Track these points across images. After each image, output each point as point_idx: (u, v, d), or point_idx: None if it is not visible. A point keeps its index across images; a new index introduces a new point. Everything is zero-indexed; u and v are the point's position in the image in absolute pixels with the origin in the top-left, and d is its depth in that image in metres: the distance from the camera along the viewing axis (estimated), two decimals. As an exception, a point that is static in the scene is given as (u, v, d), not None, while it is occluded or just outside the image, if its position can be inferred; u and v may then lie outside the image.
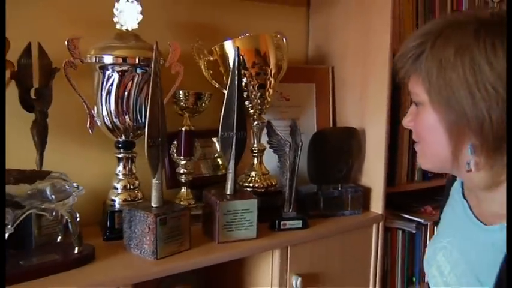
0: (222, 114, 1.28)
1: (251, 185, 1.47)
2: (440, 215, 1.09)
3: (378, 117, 1.54)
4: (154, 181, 1.20)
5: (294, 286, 1.36)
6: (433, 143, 0.89)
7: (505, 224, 0.83)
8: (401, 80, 0.93)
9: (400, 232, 1.66)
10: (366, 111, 1.59)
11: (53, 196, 1.08)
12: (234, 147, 1.29)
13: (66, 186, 1.10)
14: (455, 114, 0.82)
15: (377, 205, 1.57)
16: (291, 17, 1.79)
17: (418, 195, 1.74)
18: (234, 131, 1.29)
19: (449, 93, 0.82)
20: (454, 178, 1.06)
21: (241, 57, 1.36)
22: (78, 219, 1.12)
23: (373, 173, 1.58)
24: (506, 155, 0.84)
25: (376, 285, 1.59)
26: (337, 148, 1.54)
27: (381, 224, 1.56)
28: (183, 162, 1.41)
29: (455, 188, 1.03)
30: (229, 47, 1.41)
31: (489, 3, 2.00)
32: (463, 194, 1.00)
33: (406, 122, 0.95)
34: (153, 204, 1.19)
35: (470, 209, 0.96)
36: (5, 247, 1.00)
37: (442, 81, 0.82)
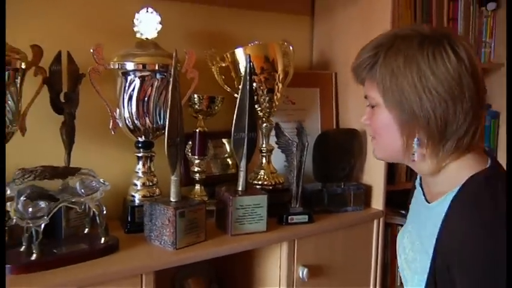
0: (234, 116, 1.38)
1: (260, 182, 1.57)
2: (408, 206, 1.22)
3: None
4: (173, 178, 1.30)
5: (301, 276, 1.46)
6: (387, 138, 1.03)
7: (442, 199, 0.99)
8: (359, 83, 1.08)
9: (400, 227, 1.76)
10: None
11: (82, 191, 1.19)
12: (245, 147, 1.39)
13: (94, 182, 1.21)
14: (407, 114, 0.97)
15: (378, 202, 1.68)
16: (296, 26, 1.89)
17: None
18: (246, 132, 1.39)
19: (401, 97, 0.96)
20: (415, 175, 1.19)
21: (251, 63, 1.47)
22: (104, 212, 1.22)
23: (374, 171, 1.68)
24: (506, 155, 0.96)
25: (377, 276, 1.70)
26: (340, 148, 1.64)
27: (381, 219, 1.67)
28: (197, 161, 1.51)
29: (417, 180, 1.17)
30: (240, 54, 1.51)
31: (483, 12, 2.12)
32: (420, 183, 1.14)
33: (363, 120, 1.09)
34: (172, 199, 1.30)
35: (424, 195, 1.10)
36: (40, 238, 1.11)
37: (394, 87, 0.97)
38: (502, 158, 2.19)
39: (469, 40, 0.98)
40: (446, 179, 1.01)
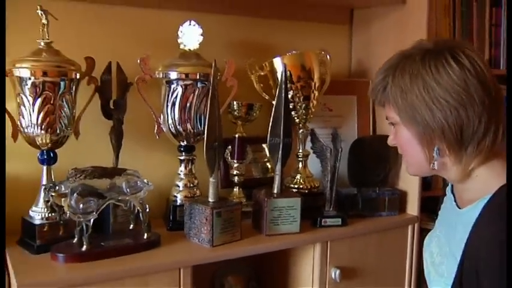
0: (270, 122, 1.46)
1: (296, 186, 1.64)
2: (438, 212, 1.25)
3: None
4: (211, 179, 1.39)
5: (333, 277, 1.51)
6: (412, 153, 1.09)
7: (473, 205, 1.02)
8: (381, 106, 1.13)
9: (435, 233, 1.77)
10: (403, 121, 1.72)
11: (127, 190, 1.30)
12: (280, 151, 1.46)
13: (139, 182, 1.32)
14: (422, 127, 1.02)
15: (413, 207, 1.70)
16: (335, 35, 1.95)
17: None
18: (281, 137, 1.46)
19: (414, 112, 1.02)
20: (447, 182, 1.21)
21: (288, 72, 1.55)
22: (148, 210, 1.33)
23: (409, 178, 1.71)
24: (506, 156, 1.00)
25: (412, 282, 1.72)
26: (375, 154, 1.68)
27: (416, 225, 1.69)
28: (236, 165, 1.60)
29: (448, 186, 1.20)
30: (277, 63, 1.58)
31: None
32: (452, 190, 1.17)
33: (390, 141, 1.15)
34: (210, 200, 1.38)
35: (455, 201, 1.13)
36: (90, 231, 1.22)
37: (406, 104, 1.02)
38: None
39: (473, 47, 1.03)
40: (477, 186, 1.04)
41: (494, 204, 0.98)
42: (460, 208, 1.10)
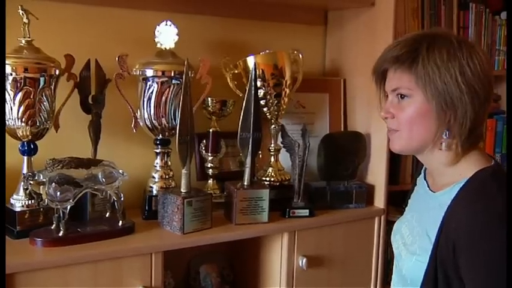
0: (240, 117, 1.54)
1: (268, 178, 1.72)
2: (407, 201, 1.33)
3: (382, 123, 1.74)
4: (184, 171, 1.47)
5: (300, 265, 1.60)
6: (419, 128, 1.10)
7: (449, 188, 1.09)
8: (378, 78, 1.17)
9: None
10: (372, 118, 1.80)
11: (103, 179, 1.38)
12: (250, 145, 1.55)
13: (114, 172, 1.40)
14: (447, 104, 1.06)
15: (380, 200, 1.79)
16: (310, 35, 2.03)
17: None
18: (251, 132, 1.54)
19: (444, 88, 1.05)
20: (418, 172, 1.30)
21: (260, 70, 1.63)
22: (122, 198, 1.41)
23: (377, 172, 1.80)
24: (506, 155, 1.08)
25: (378, 271, 1.81)
26: (344, 149, 1.76)
27: (382, 217, 1.78)
28: (210, 158, 1.69)
29: (420, 175, 1.27)
30: (251, 61, 1.66)
31: (497, 21, 2.18)
32: (425, 177, 1.24)
33: (383, 114, 1.15)
34: (182, 190, 1.47)
35: (428, 187, 1.21)
36: (66, 218, 1.31)
37: (438, 79, 1.05)
38: (514, 163, 2.24)
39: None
40: (455, 171, 1.11)
41: (472, 186, 1.06)
42: (434, 192, 1.17)
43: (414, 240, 1.17)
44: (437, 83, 1.05)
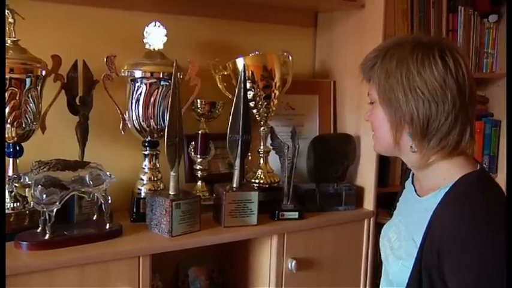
0: (230, 119, 1.53)
1: (257, 181, 1.71)
2: (396, 204, 1.33)
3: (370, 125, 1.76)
4: (172, 173, 1.46)
5: (290, 268, 1.59)
6: (382, 131, 1.15)
7: (434, 193, 1.10)
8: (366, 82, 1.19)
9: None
10: (361, 120, 1.80)
11: (90, 182, 1.36)
12: (239, 147, 1.54)
13: (101, 174, 1.38)
14: (395, 110, 1.09)
15: (369, 203, 1.79)
16: (301, 37, 2.03)
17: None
18: (240, 134, 1.53)
19: (391, 94, 1.09)
20: (407, 175, 1.30)
21: (250, 72, 1.63)
22: (110, 201, 1.40)
23: (367, 174, 1.80)
24: (506, 155, 1.08)
25: (368, 273, 1.81)
26: (333, 151, 1.76)
27: (372, 219, 1.78)
28: (199, 160, 1.67)
29: (409, 179, 1.28)
30: (240, 63, 1.65)
31: (485, 24, 2.19)
32: (412, 181, 1.25)
33: (366, 116, 1.21)
34: (171, 192, 1.46)
35: (415, 191, 1.21)
36: (53, 221, 1.29)
37: (386, 85, 1.09)
38: (502, 165, 2.26)
39: (462, 51, 1.13)
40: (439, 175, 1.12)
41: (455, 192, 1.07)
42: (420, 196, 1.18)
43: (401, 244, 1.17)
44: (386, 89, 1.09)
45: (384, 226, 1.31)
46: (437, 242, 1.03)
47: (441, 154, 1.10)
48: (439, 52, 1.07)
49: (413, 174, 1.26)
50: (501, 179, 2.26)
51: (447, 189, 1.08)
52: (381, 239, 1.30)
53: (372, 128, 1.21)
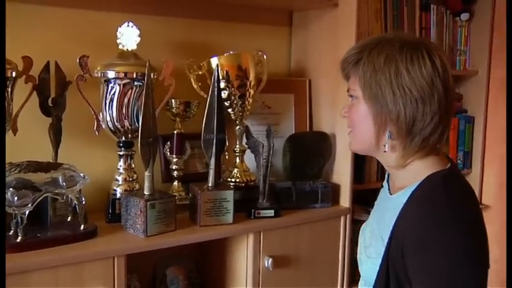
0: (204, 119, 1.54)
1: (233, 180, 1.72)
2: (373, 203, 1.34)
3: (346, 123, 1.78)
4: (147, 173, 1.46)
5: (266, 265, 1.60)
6: (363, 128, 1.14)
7: (402, 192, 1.12)
8: (345, 78, 1.20)
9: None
10: (337, 118, 1.82)
11: (64, 183, 1.36)
12: (214, 147, 1.55)
13: (75, 176, 1.38)
14: (381, 106, 1.08)
15: (345, 200, 1.81)
16: (276, 36, 2.04)
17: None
18: (215, 133, 1.54)
19: (378, 91, 1.08)
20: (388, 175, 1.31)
21: (224, 71, 1.63)
22: (84, 202, 1.39)
23: (342, 171, 1.81)
24: (506, 155, 1.10)
25: (345, 270, 1.82)
26: (309, 149, 1.78)
27: (348, 216, 1.80)
28: (175, 160, 1.67)
29: (385, 179, 1.29)
30: (215, 62, 1.66)
31: (457, 22, 2.23)
32: (387, 179, 1.26)
33: (343, 112, 1.20)
34: (145, 192, 1.46)
35: (389, 189, 1.23)
36: (25, 223, 1.28)
37: (373, 81, 1.08)
38: (476, 161, 2.30)
39: (443, 51, 1.13)
40: (409, 174, 1.13)
41: (421, 190, 1.08)
42: (391, 195, 1.20)
43: (371, 243, 1.19)
44: (372, 85, 1.08)
45: (363, 224, 1.32)
46: (401, 240, 1.04)
47: (420, 154, 1.11)
48: (427, 52, 1.07)
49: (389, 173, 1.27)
50: (475, 174, 2.31)
51: (414, 188, 1.09)
52: (359, 236, 1.31)
53: (348, 125, 1.19)
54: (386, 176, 1.28)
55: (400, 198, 1.11)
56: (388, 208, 1.16)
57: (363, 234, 1.28)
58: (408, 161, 1.12)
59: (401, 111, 1.06)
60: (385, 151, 1.13)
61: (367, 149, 1.18)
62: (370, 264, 1.16)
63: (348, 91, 1.18)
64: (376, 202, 1.33)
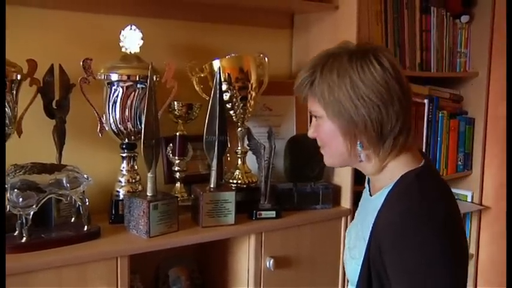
0: (206, 121, 1.55)
1: (235, 181, 1.74)
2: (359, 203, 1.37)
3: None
4: (149, 175, 1.48)
5: (268, 266, 1.62)
6: (334, 145, 1.17)
7: (380, 193, 1.15)
8: (304, 102, 1.22)
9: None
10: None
11: (67, 185, 1.38)
12: (216, 148, 1.56)
13: (79, 177, 1.40)
14: (346, 121, 1.11)
15: (346, 201, 1.82)
16: (277, 38, 2.05)
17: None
18: (217, 135, 1.56)
19: (340, 107, 1.10)
20: None
21: (226, 73, 1.65)
22: (87, 203, 1.41)
23: (343, 173, 1.83)
24: (506, 155, 1.12)
25: (346, 271, 1.84)
26: (310, 151, 1.76)
27: (349, 217, 1.81)
28: (177, 161, 1.69)
29: (366, 181, 1.31)
30: (216, 65, 1.68)
31: (458, 24, 2.24)
32: (368, 181, 1.28)
33: (310, 133, 1.23)
34: (148, 194, 1.47)
35: (369, 191, 1.25)
36: (29, 224, 1.30)
37: (332, 99, 1.11)
38: (477, 162, 2.31)
39: (390, 51, 1.15)
40: (386, 175, 1.16)
41: (396, 189, 1.11)
42: (371, 196, 1.22)
43: (355, 244, 1.21)
44: (333, 102, 1.10)
45: (349, 226, 1.35)
46: (378, 239, 1.07)
47: (393, 154, 1.14)
48: (374, 56, 1.10)
49: None
50: (475, 175, 2.32)
51: (389, 188, 1.12)
52: (346, 240, 1.34)
53: (320, 144, 1.22)
54: (367, 178, 1.30)
55: (378, 199, 1.13)
56: (369, 209, 1.19)
57: (348, 236, 1.31)
58: (384, 163, 1.15)
59: (367, 120, 1.09)
60: (361, 161, 1.16)
61: (343, 162, 1.22)
62: (354, 265, 1.18)
63: (310, 112, 1.21)
64: (359, 203, 1.35)
